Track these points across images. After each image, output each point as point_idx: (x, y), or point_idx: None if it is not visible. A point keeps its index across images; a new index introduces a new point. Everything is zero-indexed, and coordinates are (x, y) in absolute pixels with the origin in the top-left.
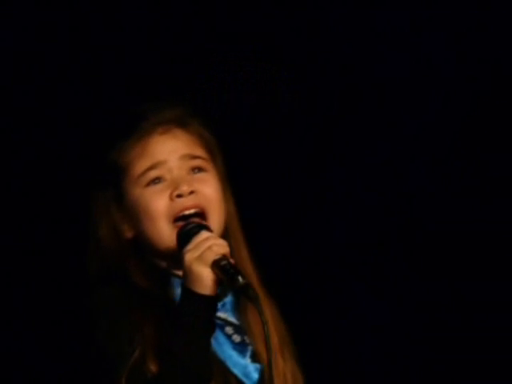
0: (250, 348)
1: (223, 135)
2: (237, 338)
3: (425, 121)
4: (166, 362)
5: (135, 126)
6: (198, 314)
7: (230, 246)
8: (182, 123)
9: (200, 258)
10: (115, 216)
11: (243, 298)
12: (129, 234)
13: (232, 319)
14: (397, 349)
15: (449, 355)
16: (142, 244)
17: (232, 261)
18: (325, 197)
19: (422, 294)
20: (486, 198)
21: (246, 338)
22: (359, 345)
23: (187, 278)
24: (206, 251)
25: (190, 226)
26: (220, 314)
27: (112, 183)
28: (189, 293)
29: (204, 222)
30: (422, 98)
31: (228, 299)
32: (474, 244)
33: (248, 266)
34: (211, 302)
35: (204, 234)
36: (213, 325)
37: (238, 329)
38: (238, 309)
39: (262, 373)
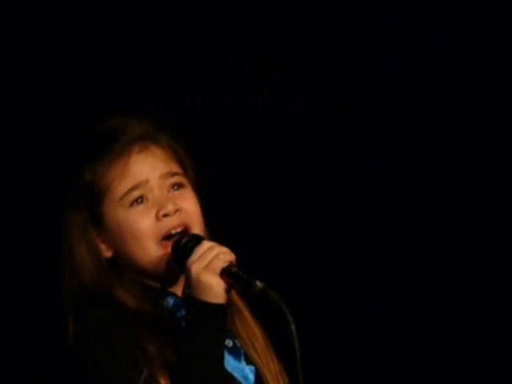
0: (242, 351)
1: (221, 138)
2: (229, 343)
3: (425, 123)
4: (181, 375)
5: (108, 147)
6: (213, 323)
7: None
8: (154, 138)
9: (208, 267)
10: (92, 237)
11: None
12: (108, 254)
13: None
14: None
15: None
16: (124, 263)
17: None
18: (322, 201)
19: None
20: (487, 204)
21: (236, 341)
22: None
23: (196, 289)
24: (213, 260)
25: (185, 239)
26: None
27: (88, 205)
28: (199, 303)
29: (198, 234)
30: (422, 99)
31: None
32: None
33: None
34: (223, 310)
35: (206, 244)
36: (225, 331)
37: (228, 333)
38: None
39: (256, 375)
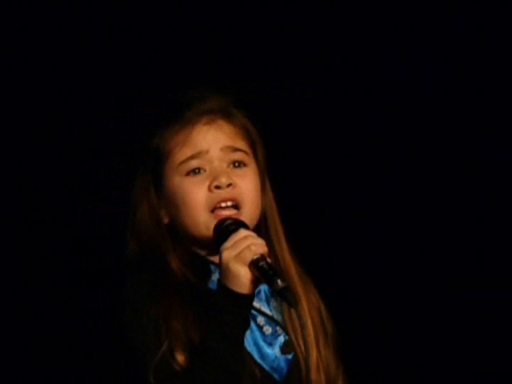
0: (280, 339)
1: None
2: (268, 330)
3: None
4: (198, 356)
5: (179, 114)
6: (234, 311)
7: (270, 236)
8: (226, 114)
9: (238, 256)
10: (153, 200)
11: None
12: (165, 220)
13: (265, 309)
14: None
15: None
16: (178, 230)
17: (270, 261)
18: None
19: None
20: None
21: (278, 328)
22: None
23: (224, 275)
24: (245, 250)
25: (227, 222)
26: (254, 304)
27: (152, 168)
28: (225, 290)
29: (242, 219)
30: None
31: (263, 287)
32: None
33: (287, 257)
34: (247, 300)
35: (242, 233)
36: (247, 322)
37: (270, 319)
38: (271, 296)
39: (291, 365)
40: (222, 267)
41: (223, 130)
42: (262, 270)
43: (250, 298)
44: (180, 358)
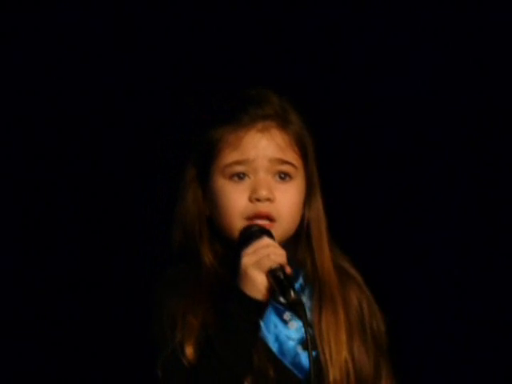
0: (303, 335)
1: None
2: (293, 325)
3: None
4: (205, 356)
5: (235, 116)
6: (246, 316)
7: (312, 245)
8: (282, 121)
9: (257, 263)
10: (198, 193)
11: (314, 284)
12: (206, 212)
13: None
14: None
15: None
16: (216, 226)
17: (288, 271)
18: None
19: None
20: None
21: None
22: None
23: (241, 280)
24: (264, 258)
25: (254, 228)
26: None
27: (201, 163)
28: (240, 294)
29: (267, 228)
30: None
31: (298, 284)
32: None
33: (328, 265)
34: (260, 307)
35: (265, 241)
36: (257, 327)
37: (294, 314)
38: (302, 291)
39: (313, 361)
40: (239, 272)
41: (275, 140)
42: (277, 280)
43: (262, 304)
44: (190, 353)
